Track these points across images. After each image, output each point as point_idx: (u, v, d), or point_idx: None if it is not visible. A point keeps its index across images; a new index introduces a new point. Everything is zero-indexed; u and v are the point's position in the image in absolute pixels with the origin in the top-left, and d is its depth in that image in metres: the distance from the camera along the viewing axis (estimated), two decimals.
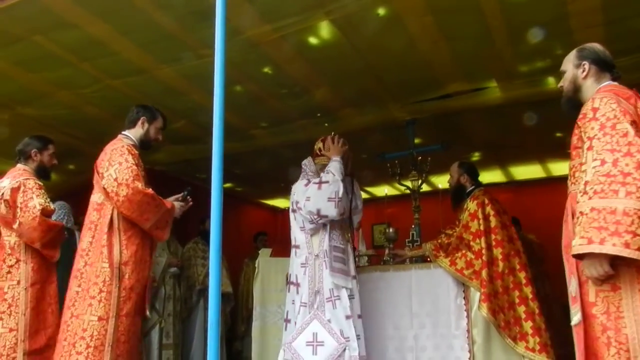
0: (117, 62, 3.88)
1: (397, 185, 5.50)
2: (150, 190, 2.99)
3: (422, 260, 4.05)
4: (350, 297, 3.01)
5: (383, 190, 6.31)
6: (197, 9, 3.23)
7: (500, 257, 3.40)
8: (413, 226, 4.70)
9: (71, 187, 6.58)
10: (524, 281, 3.38)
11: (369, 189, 7.78)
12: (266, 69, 4.15)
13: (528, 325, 3.24)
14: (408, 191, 5.09)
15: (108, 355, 2.82)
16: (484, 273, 3.33)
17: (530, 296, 3.33)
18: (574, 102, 2.30)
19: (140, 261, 3.01)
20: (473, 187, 3.80)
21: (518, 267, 3.42)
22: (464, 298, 3.48)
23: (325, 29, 3.60)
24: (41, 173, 3.54)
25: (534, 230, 5.57)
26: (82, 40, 3.57)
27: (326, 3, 3.29)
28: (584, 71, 2.26)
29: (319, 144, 3.31)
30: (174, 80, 4.21)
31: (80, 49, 3.72)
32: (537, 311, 3.29)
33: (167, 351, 4.84)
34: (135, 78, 4.15)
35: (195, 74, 4.07)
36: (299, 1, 3.27)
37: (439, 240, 3.88)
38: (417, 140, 5.24)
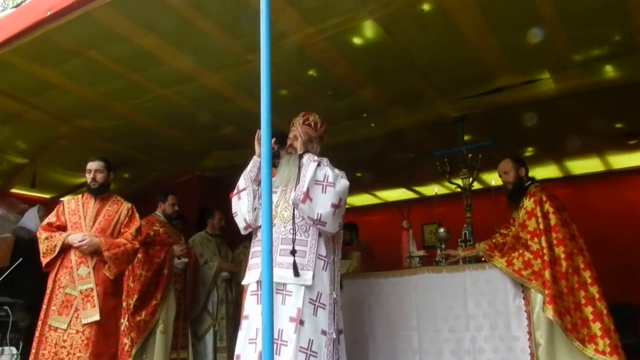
0: (166, 72, 3.98)
1: (447, 184, 5.37)
2: None
3: (476, 260, 3.93)
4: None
5: (433, 190, 6.19)
6: (241, 14, 3.27)
7: (562, 256, 3.26)
8: (465, 225, 4.58)
9: (126, 195, 6.81)
10: (589, 280, 3.22)
11: (418, 188, 7.64)
12: (311, 72, 4.15)
13: (596, 327, 3.09)
14: (459, 190, 4.96)
15: None
16: (546, 273, 3.19)
17: (597, 296, 3.17)
18: None
19: None
20: (529, 182, 3.67)
21: (582, 265, 3.27)
22: (524, 299, 3.34)
23: (369, 29, 3.55)
24: None
25: (591, 225, 5.27)
26: (132, 53, 3.68)
27: (369, 2, 3.24)
28: None
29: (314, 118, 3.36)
30: (221, 86, 4.27)
31: (131, 61, 3.84)
32: (605, 311, 3.14)
33: (221, 354, 4.93)
34: (183, 87, 4.24)
35: (241, 79, 4.12)
36: (341, 2, 3.24)
37: (494, 240, 3.76)
38: (466, 137, 5.10)
